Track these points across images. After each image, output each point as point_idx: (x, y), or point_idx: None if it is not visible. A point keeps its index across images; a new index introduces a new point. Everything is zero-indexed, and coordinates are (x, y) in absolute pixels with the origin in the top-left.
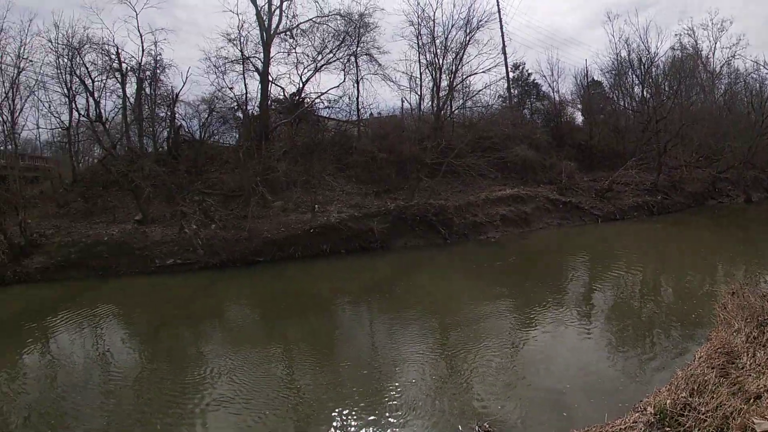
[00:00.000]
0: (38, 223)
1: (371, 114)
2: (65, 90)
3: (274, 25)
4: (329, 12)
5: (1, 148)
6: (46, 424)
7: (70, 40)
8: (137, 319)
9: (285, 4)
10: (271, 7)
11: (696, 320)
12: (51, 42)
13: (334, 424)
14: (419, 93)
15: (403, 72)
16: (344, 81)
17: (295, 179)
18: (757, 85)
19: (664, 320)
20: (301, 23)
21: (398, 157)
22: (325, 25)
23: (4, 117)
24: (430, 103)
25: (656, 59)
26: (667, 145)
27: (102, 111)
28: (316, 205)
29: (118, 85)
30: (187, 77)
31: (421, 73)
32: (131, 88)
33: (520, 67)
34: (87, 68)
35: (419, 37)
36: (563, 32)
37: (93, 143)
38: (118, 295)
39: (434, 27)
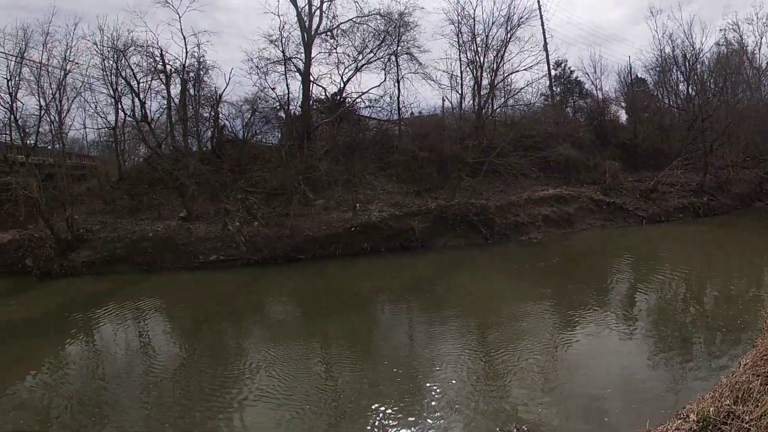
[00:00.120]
0: (85, 219)
1: (412, 113)
2: (111, 91)
3: (314, 26)
4: (369, 12)
5: (49, 147)
6: (86, 413)
7: (115, 42)
8: (180, 313)
9: (325, 5)
10: (312, 8)
11: (741, 326)
12: (96, 45)
13: (373, 422)
14: (460, 91)
15: (443, 71)
16: (385, 80)
17: (336, 178)
18: None
19: (708, 325)
20: (341, 24)
21: (439, 156)
22: (365, 25)
23: (51, 117)
24: (471, 101)
25: (701, 55)
26: (714, 144)
27: (147, 111)
28: (357, 204)
29: (163, 86)
30: (230, 78)
31: (461, 72)
32: (176, 89)
33: (563, 65)
34: (132, 70)
35: (459, 35)
36: (605, 28)
37: (139, 142)
38: (161, 289)
39: (474, 25)
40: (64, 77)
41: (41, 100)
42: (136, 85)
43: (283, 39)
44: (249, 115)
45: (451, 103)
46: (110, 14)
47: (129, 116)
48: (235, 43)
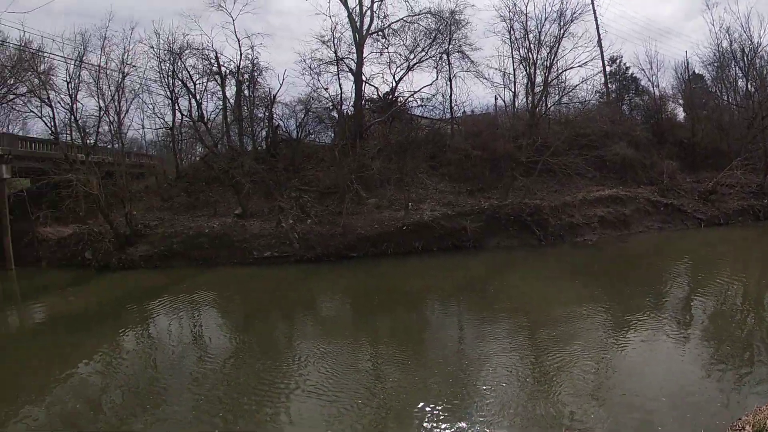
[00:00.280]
0: (143, 215)
1: (464, 112)
2: (168, 92)
3: (365, 26)
4: (420, 11)
5: (109, 146)
6: (138, 401)
7: (171, 46)
8: (233, 307)
9: (376, 4)
10: (362, 8)
11: None
12: (153, 48)
13: (424, 420)
14: (513, 89)
15: (496, 68)
16: (437, 79)
17: (388, 177)
18: None
19: (766, 334)
20: (392, 23)
21: (492, 155)
22: (416, 24)
23: (111, 118)
24: (524, 99)
25: (760, 50)
26: None
27: (204, 112)
28: (410, 203)
29: (219, 87)
30: (283, 79)
31: (514, 69)
32: (231, 90)
33: (618, 61)
34: (188, 72)
35: (512, 32)
36: (660, 22)
37: (195, 142)
38: (216, 283)
39: (527, 21)
40: (122, 80)
41: (101, 101)
42: (193, 87)
43: (335, 40)
44: (302, 115)
45: (504, 101)
46: (165, 18)
47: (186, 117)
48: (287, 45)
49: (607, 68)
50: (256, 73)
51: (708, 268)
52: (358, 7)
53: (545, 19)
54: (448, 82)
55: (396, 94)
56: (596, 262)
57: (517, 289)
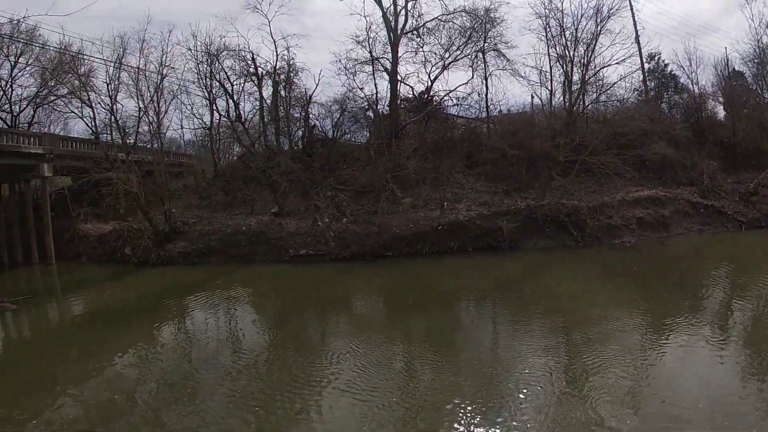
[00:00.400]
0: (182, 212)
1: (500, 111)
2: (206, 93)
3: (400, 26)
4: (454, 9)
5: (149, 146)
6: (172, 395)
7: (209, 48)
8: (269, 303)
9: (410, 4)
10: (397, 7)
11: None
12: (190, 50)
13: (458, 422)
14: (550, 87)
15: (532, 66)
16: (472, 78)
17: (424, 176)
18: None
19: None
20: (426, 22)
21: (529, 155)
22: (450, 23)
23: (150, 118)
24: (561, 97)
25: None
26: None
27: (241, 112)
28: (445, 203)
29: (255, 88)
30: (319, 79)
31: (551, 67)
32: (267, 91)
33: (656, 58)
34: (226, 73)
35: (547, 30)
36: (698, 18)
37: (233, 142)
38: (252, 280)
39: (563, 18)
40: (161, 81)
41: (140, 102)
42: (230, 88)
43: (370, 39)
44: (338, 115)
45: (540, 99)
46: (202, 21)
47: (223, 117)
48: (322, 46)
49: (646, 65)
50: (292, 74)
51: (749, 272)
52: (392, 7)
53: (581, 16)
54: (484, 81)
55: (431, 93)
56: (634, 264)
57: (553, 290)
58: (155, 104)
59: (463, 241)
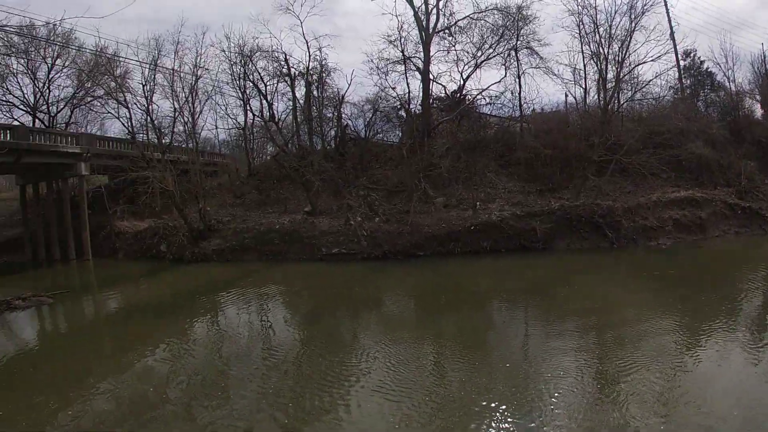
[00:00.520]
0: (216, 211)
1: (534, 109)
2: (240, 94)
3: (432, 25)
4: (486, 7)
5: (184, 145)
6: (203, 390)
7: (242, 49)
8: (301, 301)
9: (441, 2)
10: (428, 6)
11: None
12: (224, 52)
13: (489, 425)
14: (584, 86)
15: (565, 64)
16: (505, 76)
17: (457, 176)
18: None
19: None
20: (458, 21)
21: (563, 154)
22: (482, 21)
23: (185, 119)
24: (595, 96)
25: None
26: None
27: (274, 112)
28: (478, 203)
29: (288, 88)
30: (351, 79)
31: (585, 65)
32: (300, 91)
33: (692, 55)
34: (259, 74)
35: (581, 26)
36: (733, 13)
37: (266, 141)
38: (285, 278)
39: (596, 14)
40: (196, 82)
41: (175, 103)
42: (263, 88)
43: (402, 39)
44: (370, 115)
45: (574, 98)
46: (235, 23)
47: (257, 117)
48: (353, 46)
49: (681, 62)
50: (324, 74)
51: None
52: (424, 6)
53: (615, 12)
54: (517, 79)
55: (464, 92)
56: (671, 267)
57: (587, 291)
58: (190, 105)
59: (496, 241)
